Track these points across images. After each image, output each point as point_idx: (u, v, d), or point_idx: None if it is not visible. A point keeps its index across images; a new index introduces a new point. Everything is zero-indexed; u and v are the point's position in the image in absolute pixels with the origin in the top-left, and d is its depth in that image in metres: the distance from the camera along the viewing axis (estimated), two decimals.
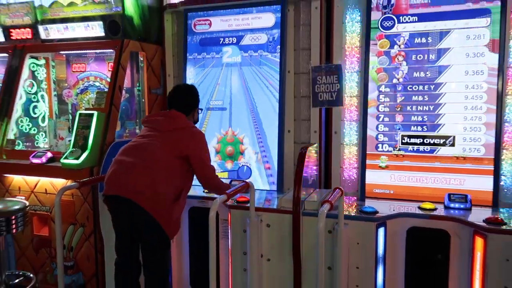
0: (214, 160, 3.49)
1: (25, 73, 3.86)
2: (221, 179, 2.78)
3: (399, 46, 3.03)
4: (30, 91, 3.93)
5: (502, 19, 2.75)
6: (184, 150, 2.52)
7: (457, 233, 2.54)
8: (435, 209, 2.68)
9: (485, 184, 2.83)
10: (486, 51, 2.81)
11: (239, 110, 3.47)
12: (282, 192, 3.23)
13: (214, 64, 3.54)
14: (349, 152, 3.20)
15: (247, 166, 3.43)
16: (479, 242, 2.40)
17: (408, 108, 3.01)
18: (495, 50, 2.78)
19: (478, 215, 2.54)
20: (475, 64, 2.84)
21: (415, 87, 2.99)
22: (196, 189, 3.25)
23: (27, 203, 3.04)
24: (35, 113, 3.97)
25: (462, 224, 2.51)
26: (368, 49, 3.08)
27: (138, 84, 3.71)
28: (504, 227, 2.37)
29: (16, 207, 2.91)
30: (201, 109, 2.94)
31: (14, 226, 2.87)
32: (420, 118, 2.98)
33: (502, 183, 2.82)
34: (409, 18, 2.99)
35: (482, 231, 2.38)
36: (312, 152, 3.06)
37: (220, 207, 2.94)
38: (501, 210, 2.73)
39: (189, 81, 3.60)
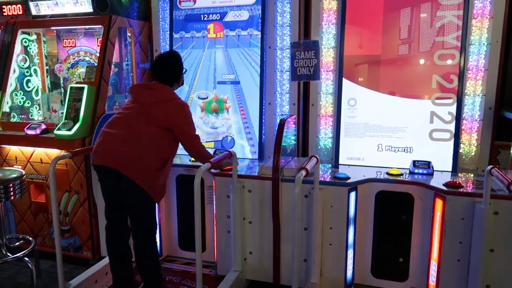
0: (200, 117, 3.48)
1: (18, 48, 3.72)
2: (206, 149, 2.73)
3: None
4: (23, 65, 3.81)
5: None
6: (168, 122, 2.44)
7: (420, 195, 2.61)
8: (401, 175, 2.74)
9: (446, 151, 2.89)
10: None
11: (222, 84, 3.43)
12: (262, 160, 3.25)
13: (198, 41, 3.47)
14: (325, 123, 3.21)
15: (230, 136, 3.43)
16: (439, 203, 2.47)
17: None
18: None
19: (439, 180, 2.61)
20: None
21: None
22: (183, 158, 3.25)
23: (24, 172, 3.00)
24: (28, 87, 3.87)
25: (424, 188, 2.58)
26: (343, 26, 3.05)
27: (126, 59, 3.62)
28: (461, 190, 2.44)
29: (13, 175, 2.88)
30: (186, 70, 2.78)
31: (12, 193, 2.85)
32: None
33: (461, 150, 2.89)
34: None
35: (442, 194, 2.45)
36: (291, 123, 3.07)
37: (205, 174, 2.96)
38: (459, 175, 2.81)
39: None
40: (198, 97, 3.48)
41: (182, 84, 2.77)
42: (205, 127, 3.48)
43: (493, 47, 2.77)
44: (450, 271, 2.48)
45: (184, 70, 2.74)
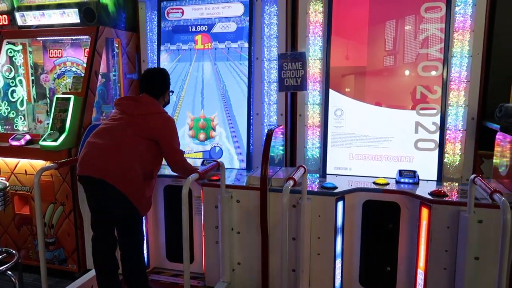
0: (188, 134, 3.48)
1: (3, 58, 3.69)
2: (189, 162, 2.71)
3: None
4: (8, 76, 3.77)
5: None
6: (154, 135, 2.46)
7: (406, 204, 2.64)
8: (387, 184, 2.77)
9: (431, 161, 2.94)
10: None
11: (210, 95, 3.44)
12: (250, 170, 3.26)
13: (184, 53, 3.49)
14: (312, 133, 3.24)
15: (218, 147, 3.44)
16: (424, 212, 2.51)
17: None
18: None
19: (425, 189, 2.65)
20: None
21: None
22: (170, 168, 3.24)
23: (7, 184, 2.94)
24: (13, 97, 3.82)
25: (410, 197, 2.62)
26: (329, 38, 3.11)
27: (114, 70, 3.61)
28: (446, 198, 2.48)
29: None
30: (172, 92, 2.85)
31: None
32: None
33: (445, 160, 2.94)
34: None
35: (427, 203, 2.49)
36: (279, 134, 3.09)
37: (193, 185, 2.95)
38: (444, 184, 2.85)
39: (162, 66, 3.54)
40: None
41: (168, 103, 2.80)
42: (194, 145, 3.48)
43: (474, 59, 2.85)
44: (436, 279, 2.50)
45: (171, 91, 2.79)
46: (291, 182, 2.20)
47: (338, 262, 2.74)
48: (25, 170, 3.30)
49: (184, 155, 2.66)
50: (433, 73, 2.92)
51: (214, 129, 3.43)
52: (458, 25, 2.86)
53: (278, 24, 3.23)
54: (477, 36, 2.83)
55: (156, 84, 2.63)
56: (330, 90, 3.13)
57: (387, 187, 2.72)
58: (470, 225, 2.31)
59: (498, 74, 2.92)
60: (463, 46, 2.86)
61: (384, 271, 2.73)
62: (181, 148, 2.63)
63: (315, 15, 3.15)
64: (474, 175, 2.20)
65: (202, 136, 3.47)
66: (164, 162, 2.62)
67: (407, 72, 2.98)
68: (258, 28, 3.30)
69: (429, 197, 2.51)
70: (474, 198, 2.28)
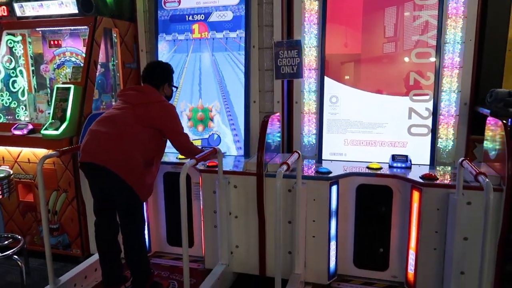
0: (187, 126, 3.56)
1: (3, 49, 3.76)
2: (196, 145, 2.82)
3: None
4: (8, 66, 3.84)
5: None
6: (155, 123, 2.55)
7: (398, 188, 2.73)
8: (380, 169, 2.85)
9: (424, 146, 3.02)
10: None
11: (208, 83, 3.51)
12: (248, 157, 3.34)
13: (182, 42, 3.55)
14: (308, 120, 3.31)
15: (217, 134, 3.52)
16: (416, 195, 2.60)
17: None
18: None
19: (416, 173, 2.73)
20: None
21: None
22: (170, 155, 3.33)
23: (11, 172, 3.04)
24: (14, 88, 3.90)
25: (402, 181, 2.70)
26: (324, 26, 3.16)
27: (112, 59, 3.68)
28: (436, 182, 2.57)
29: (1, 175, 2.92)
30: (176, 87, 2.93)
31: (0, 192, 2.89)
32: None
33: (438, 144, 3.02)
34: None
35: (418, 186, 2.57)
36: (275, 121, 3.17)
37: (192, 171, 3.04)
38: (437, 168, 2.93)
39: (160, 56, 3.60)
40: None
41: (171, 97, 2.87)
42: (193, 136, 3.56)
43: (467, 46, 2.90)
44: (427, 259, 2.60)
45: (175, 86, 2.87)
46: (284, 167, 2.28)
47: (333, 244, 2.84)
48: (28, 159, 3.39)
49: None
50: (426, 59, 2.97)
51: (212, 120, 3.51)
52: (451, 12, 2.90)
53: (274, 12, 3.27)
54: (470, 22, 2.88)
55: (156, 75, 2.72)
56: (326, 78, 3.20)
57: (380, 172, 2.80)
58: (459, 207, 2.39)
59: (490, 60, 2.97)
60: (456, 32, 2.91)
61: (377, 252, 2.84)
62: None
63: (310, 3, 3.19)
64: (462, 158, 2.28)
65: (200, 128, 3.55)
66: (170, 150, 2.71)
67: (401, 59, 3.04)
68: (254, 17, 3.34)
69: (420, 180, 2.59)
70: (462, 180, 2.36)
